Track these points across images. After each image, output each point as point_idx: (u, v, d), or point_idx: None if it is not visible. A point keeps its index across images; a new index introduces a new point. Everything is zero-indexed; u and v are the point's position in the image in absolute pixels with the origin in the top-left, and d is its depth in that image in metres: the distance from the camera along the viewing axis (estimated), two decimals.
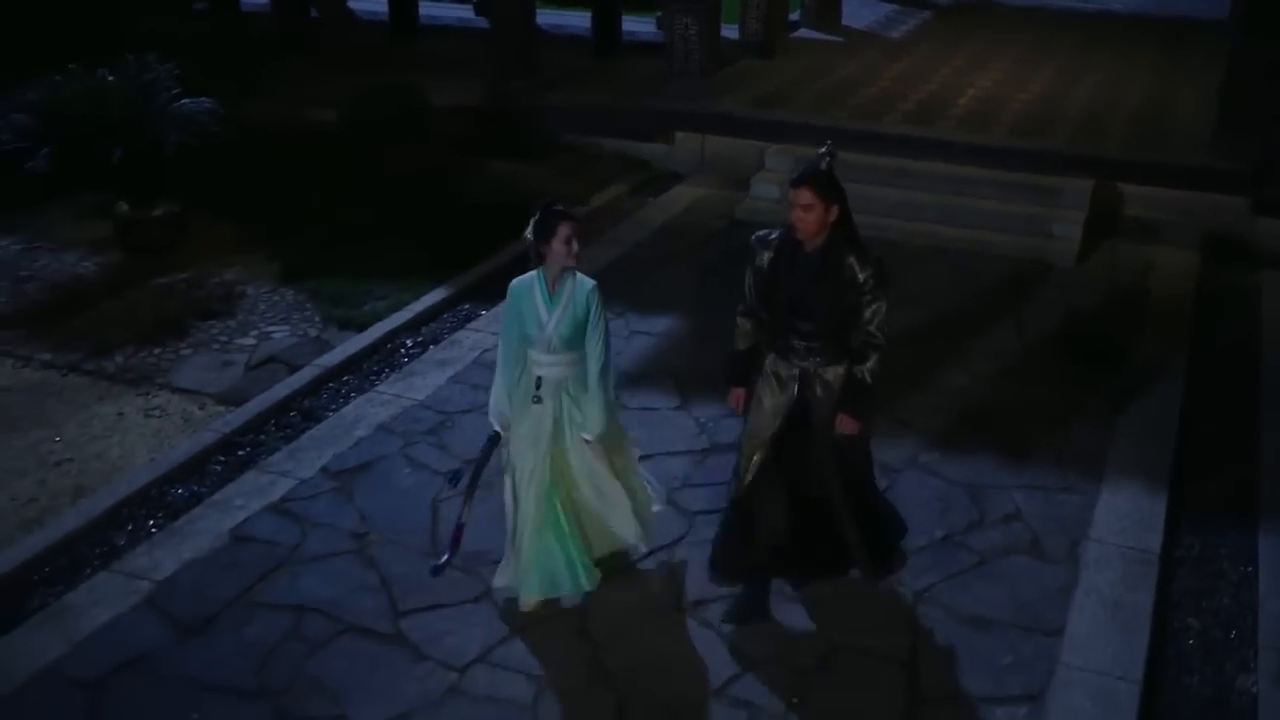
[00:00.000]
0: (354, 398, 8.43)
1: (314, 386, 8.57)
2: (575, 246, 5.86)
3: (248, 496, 7.21)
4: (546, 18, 16.30)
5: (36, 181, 11.39)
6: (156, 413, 8.38)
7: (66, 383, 8.75)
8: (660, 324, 9.57)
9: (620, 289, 9.70)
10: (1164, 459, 7.73)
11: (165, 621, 6.14)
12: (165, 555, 6.67)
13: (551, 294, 5.88)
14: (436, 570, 6.25)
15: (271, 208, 11.61)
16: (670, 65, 13.89)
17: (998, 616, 6.29)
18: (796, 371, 5.93)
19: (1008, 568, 6.70)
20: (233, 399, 8.46)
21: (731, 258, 10.50)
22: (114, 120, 10.33)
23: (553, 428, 5.97)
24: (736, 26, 15.57)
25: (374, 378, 8.73)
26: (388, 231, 11.18)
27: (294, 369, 8.82)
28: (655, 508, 6.50)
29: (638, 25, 16.84)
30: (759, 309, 6.00)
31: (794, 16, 17.10)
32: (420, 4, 17.63)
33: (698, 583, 6.47)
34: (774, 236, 5.87)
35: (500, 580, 6.23)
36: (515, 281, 6.00)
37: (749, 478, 6.10)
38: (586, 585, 6.13)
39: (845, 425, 5.91)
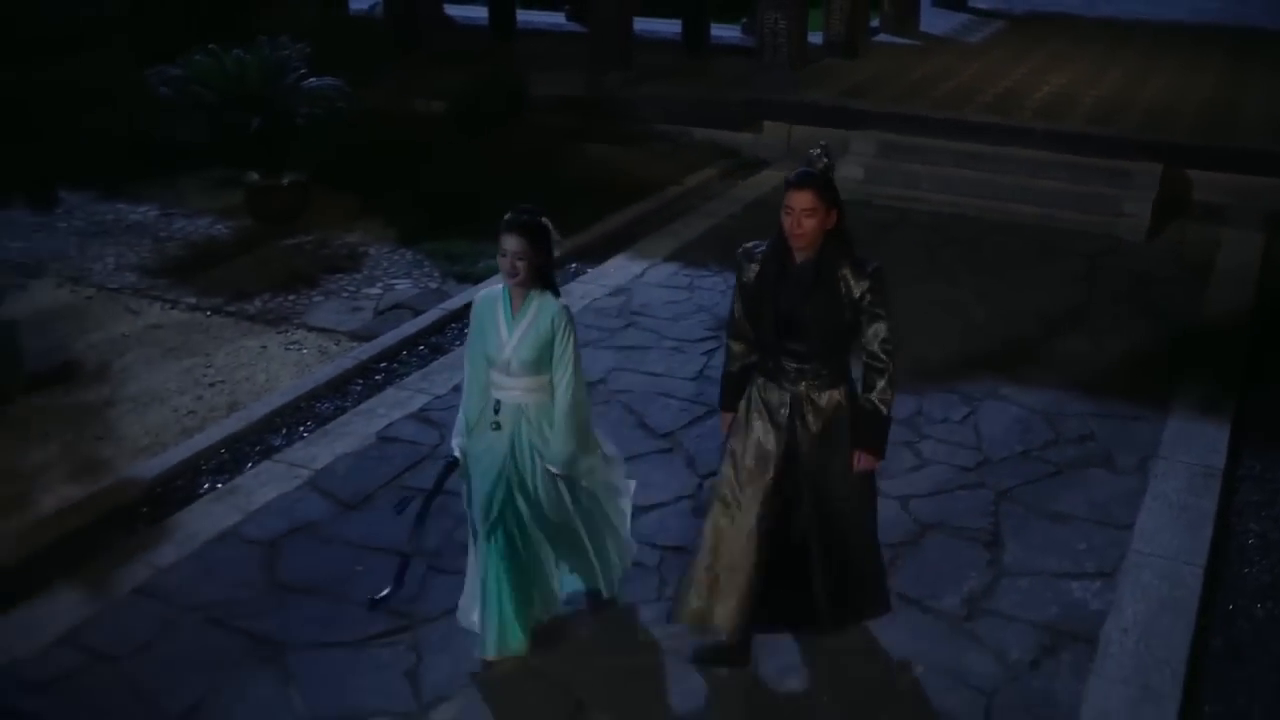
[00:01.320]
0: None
1: (439, 326, 9.34)
2: (514, 265, 5.19)
3: (389, 408, 7.99)
4: (639, 24, 17.12)
5: (167, 157, 12.32)
6: (296, 346, 9.17)
7: (211, 322, 9.57)
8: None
9: (716, 252, 10.47)
10: (1229, 395, 8.32)
11: (327, 499, 6.92)
12: (320, 450, 7.45)
13: (515, 311, 5.33)
14: (374, 604, 5.94)
15: (387, 182, 12.42)
16: (760, 59, 14.66)
17: (1073, 513, 6.92)
18: (788, 397, 5.37)
19: (1082, 477, 7.32)
20: (364, 336, 9.23)
21: None
22: (251, 93, 11.21)
23: (511, 456, 5.43)
24: (820, 33, 16.36)
25: None
26: (496, 204, 11.91)
27: (418, 313, 9.60)
28: (628, 562, 6.00)
29: (723, 31, 17.66)
30: (748, 328, 5.48)
31: (873, 24, 17.83)
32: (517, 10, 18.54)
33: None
34: (760, 248, 5.34)
35: (465, 620, 5.77)
36: (480, 294, 5.53)
37: (720, 517, 5.51)
38: (513, 649, 5.58)
39: (864, 462, 5.40)
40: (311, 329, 9.44)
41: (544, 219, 5.31)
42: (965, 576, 6.35)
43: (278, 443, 7.61)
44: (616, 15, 15.10)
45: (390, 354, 8.86)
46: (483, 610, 5.51)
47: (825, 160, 5.19)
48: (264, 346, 9.11)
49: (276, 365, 8.84)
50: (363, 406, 8.04)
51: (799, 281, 5.17)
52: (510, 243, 5.22)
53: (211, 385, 8.51)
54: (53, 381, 8.44)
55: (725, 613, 5.50)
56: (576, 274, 10.49)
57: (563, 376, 5.34)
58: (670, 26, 17.62)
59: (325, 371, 8.53)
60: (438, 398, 8.10)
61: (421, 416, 7.85)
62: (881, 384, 5.29)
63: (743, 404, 5.51)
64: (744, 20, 17.99)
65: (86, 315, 9.59)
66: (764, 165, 13.60)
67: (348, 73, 12.26)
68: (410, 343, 9.05)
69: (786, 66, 14.46)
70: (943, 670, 5.64)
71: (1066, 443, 7.70)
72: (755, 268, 5.31)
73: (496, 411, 5.40)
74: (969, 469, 7.38)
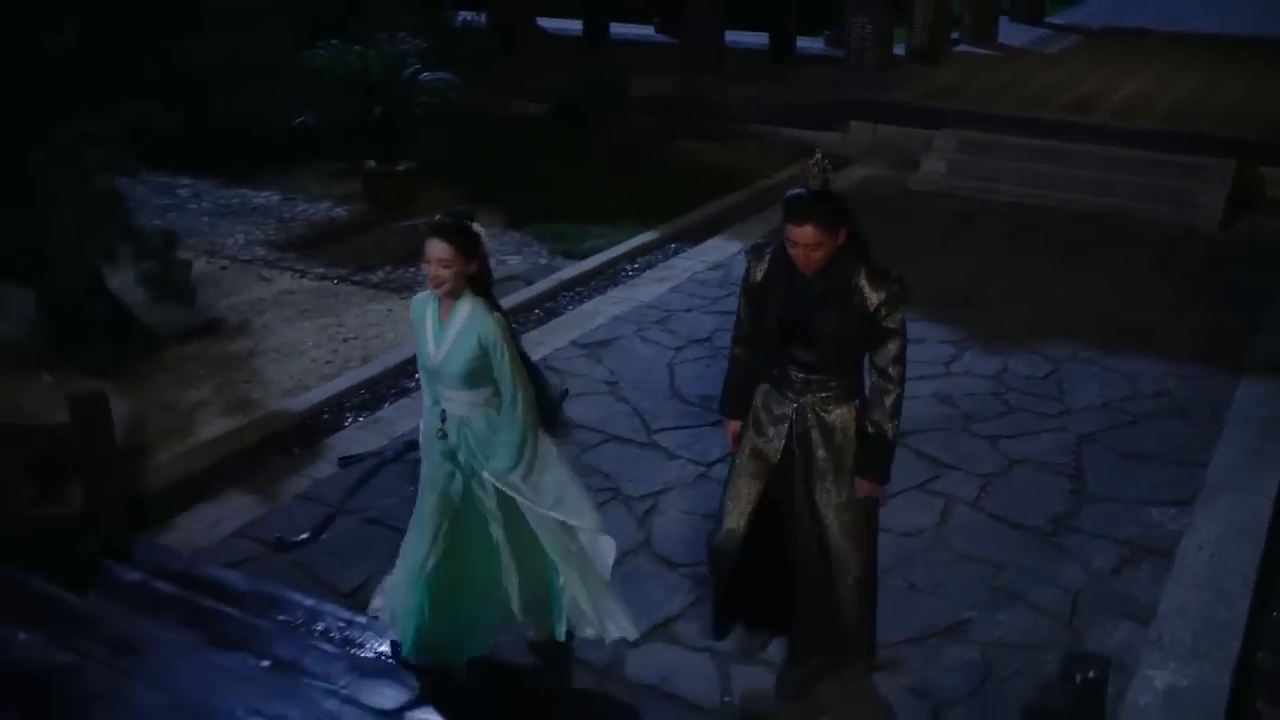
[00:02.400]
0: (588, 301, 9.88)
1: (552, 294, 10.04)
2: (437, 273, 4.70)
3: None
4: (728, 36, 17.81)
5: (284, 147, 13.10)
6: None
7: (339, 289, 10.30)
8: None
9: None
10: None
11: None
12: None
13: (443, 319, 4.85)
14: (280, 545, 6.22)
15: (493, 171, 13.16)
16: (846, 61, 15.31)
17: (1152, 454, 7.46)
18: (792, 409, 4.99)
19: (1159, 425, 7.85)
20: None
21: (903, 215, 11.93)
22: (372, 83, 11.99)
23: (457, 469, 5.04)
24: (903, 45, 17.01)
25: (602, 290, 10.18)
26: (596, 192, 12.67)
27: (531, 283, 10.30)
28: (588, 631, 5.35)
29: (808, 42, 18.35)
30: (753, 332, 5.13)
31: (953, 36, 18.43)
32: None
33: None
34: (771, 247, 5.01)
35: (377, 603, 5.56)
36: (416, 295, 5.08)
37: (726, 529, 5.21)
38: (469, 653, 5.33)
39: (864, 489, 5.01)
40: None
41: (473, 223, 4.79)
42: (1051, 502, 6.91)
43: (410, 385, 8.30)
44: (709, 22, 15.82)
45: (508, 316, 9.51)
46: (403, 609, 5.26)
47: (822, 174, 4.70)
48: (389, 310, 9.82)
49: (403, 326, 9.51)
50: None
51: (809, 290, 4.81)
52: (433, 248, 4.69)
53: (345, 341, 9.22)
54: (200, 335, 9.19)
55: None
56: (678, 251, 11.16)
57: (506, 387, 4.83)
58: (758, 38, 18.31)
59: None
60: (557, 350, 8.79)
61: (544, 365, 8.51)
62: (888, 405, 4.87)
63: (750, 412, 5.16)
64: (827, 32, 18.65)
65: (224, 282, 10.36)
66: (850, 162, 14.21)
67: (454, 72, 13.02)
68: (526, 307, 9.73)
69: (872, 70, 15.11)
70: (1032, 573, 6.20)
71: (1144, 397, 8.23)
72: (764, 268, 4.97)
73: (443, 421, 4.97)
74: (1052, 415, 7.94)
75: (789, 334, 4.89)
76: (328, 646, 5.32)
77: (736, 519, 5.16)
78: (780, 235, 4.85)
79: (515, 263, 10.89)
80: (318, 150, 13.42)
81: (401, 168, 12.44)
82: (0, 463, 5.38)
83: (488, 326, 4.76)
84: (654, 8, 20.37)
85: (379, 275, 10.57)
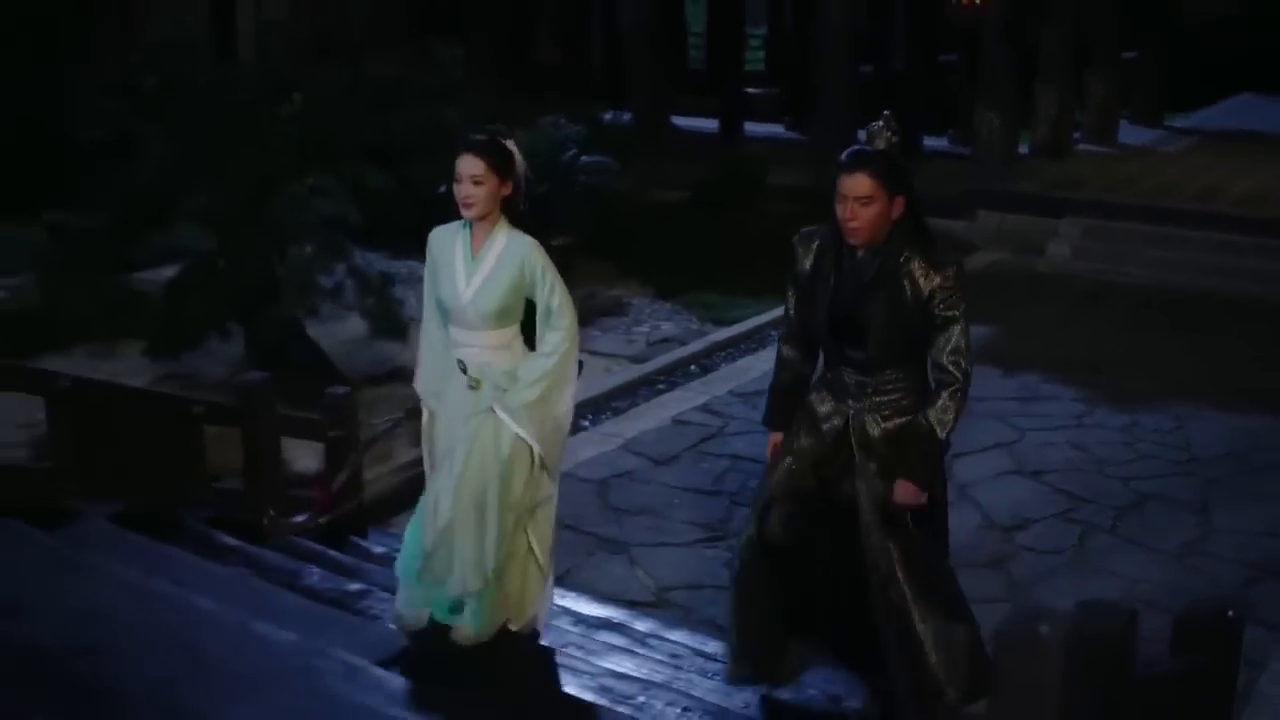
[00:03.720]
0: (739, 360, 10.70)
1: (706, 353, 10.87)
2: (469, 192, 4.40)
3: (677, 402, 9.49)
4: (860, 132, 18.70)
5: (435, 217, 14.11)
6: (582, 366, 10.71)
7: None
8: (974, 332, 11.58)
9: None
10: None
11: (640, 457, 8.41)
12: (626, 426, 8.99)
13: (475, 252, 4.52)
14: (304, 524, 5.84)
15: (641, 249, 14.08)
16: (973, 154, 16.11)
17: (1275, 496, 8.04)
18: (845, 413, 4.50)
19: None
20: (641, 359, 10.77)
21: (1030, 295, 12.63)
22: (538, 162, 12.98)
23: (467, 421, 4.65)
24: (1026, 144, 17.80)
25: (751, 350, 10.99)
26: (738, 269, 13.51)
27: (685, 344, 11.13)
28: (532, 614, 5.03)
29: (933, 141, 19.20)
30: (801, 330, 4.66)
31: (1074, 135, 19.15)
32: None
33: None
34: (818, 233, 4.54)
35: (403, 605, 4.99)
36: (438, 228, 4.68)
37: (758, 548, 4.71)
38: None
39: (903, 494, 4.40)
40: (596, 354, 11.00)
41: (508, 141, 4.50)
42: (1180, 531, 7.53)
43: (586, 424, 9.13)
44: (841, 119, 16.72)
45: (668, 370, 10.37)
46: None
47: (889, 135, 4.39)
48: None
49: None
50: (653, 402, 9.55)
51: (859, 277, 4.37)
52: (464, 163, 4.39)
53: None
54: (389, 379, 10.11)
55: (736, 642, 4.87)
56: None
57: (555, 335, 4.64)
58: None
59: (617, 378, 10.09)
60: (717, 397, 9.60)
61: (706, 409, 9.33)
62: (943, 400, 4.33)
63: (795, 421, 4.72)
64: (950, 130, 19.47)
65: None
66: (977, 248, 14.94)
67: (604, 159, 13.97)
68: (683, 363, 10.56)
69: (998, 163, 15.87)
70: (1166, 585, 6.82)
71: (1267, 449, 8.81)
72: (812, 256, 4.50)
73: (465, 371, 4.60)
74: (1179, 462, 8.56)
75: (839, 328, 4.43)
76: None
77: (771, 526, 4.65)
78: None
79: (668, 328, 11.74)
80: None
81: (558, 242, 13.34)
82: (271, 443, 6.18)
83: (530, 252, 4.50)
84: (784, 107, 21.38)
85: None
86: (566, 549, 7.06)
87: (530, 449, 4.69)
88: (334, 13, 18.83)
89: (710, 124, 20.68)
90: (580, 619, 5.75)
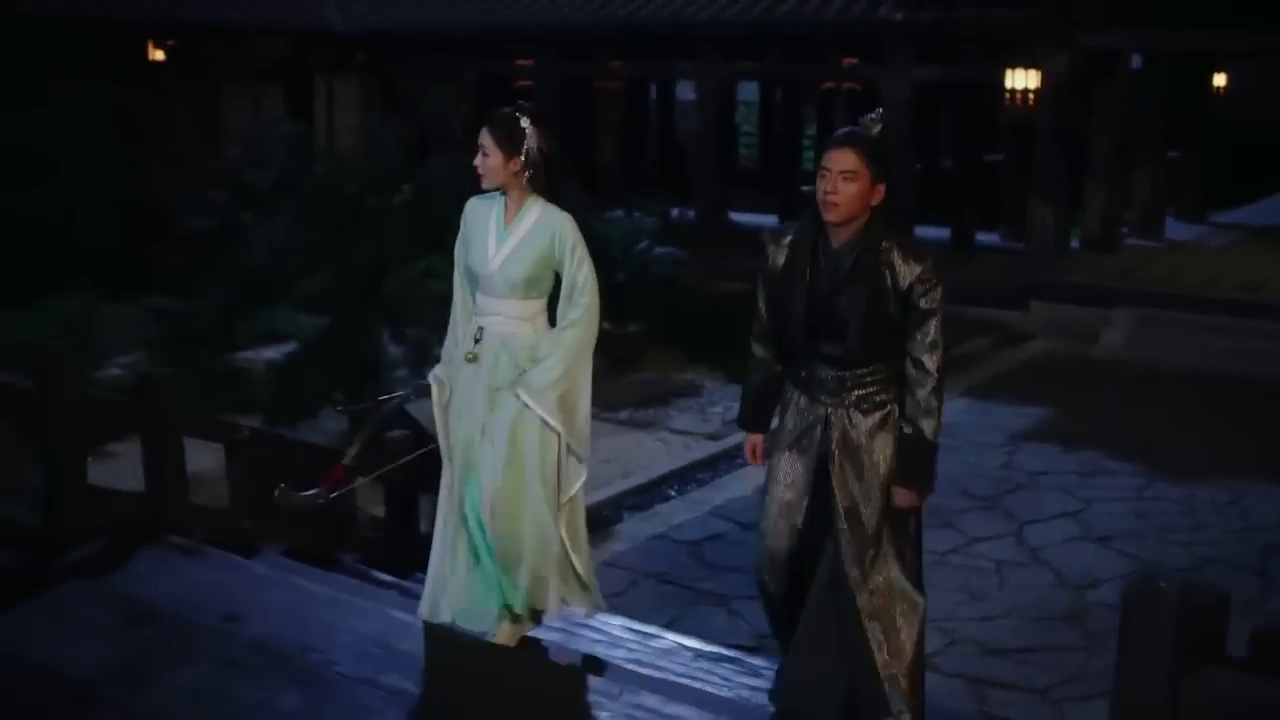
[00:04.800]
0: None
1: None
2: (479, 161, 4.61)
3: (756, 475, 9.97)
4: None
5: None
6: (663, 442, 11.35)
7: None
8: (1034, 412, 12.15)
9: (999, 393, 12.63)
10: None
11: (728, 522, 9.00)
12: (711, 495, 9.58)
13: (509, 221, 4.65)
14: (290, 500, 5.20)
15: (707, 335, 14.70)
16: (1027, 247, 16.75)
17: None
18: (823, 413, 4.42)
19: None
20: (717, 437, 11.37)
21: (1084, 380, 13.18)
22: (615, 253, 13.71)
23: (488, 399, 4.65)
24: (1076, 239, 18.45)
25: None
26: None
27: None
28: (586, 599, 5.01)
29: (985, 236, 19.89)
30: (773, 327, 4.59)
31: (1122, 229, 19.78)
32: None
33: None
34: (790, 229, 4.53)
35: (426, 607, 4.87)
36: (475, 198, 4.80)
37: (770, 565, 4.60)
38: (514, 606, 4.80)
39: (904, 500, 4.40)
40: (673, 430, 11.63)
41: (521, 118, 4.61)
42: (1242, 590, 7.94)
43: (672, 492, 9.72)
44: (899, 214, 17.42)
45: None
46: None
47: (879, 125, 4.36)
48: (639, 441, 11.32)
49: (651, 453, 11.02)
50: (734, 474, 10.11)
51: (835, 267, 4.33)
52: (479, 137, 4.62)
53: (604, 461, 10.65)
54: None
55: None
56: None
57: (574, 311, 4.62)
58: (940, 232, 19.87)
59: (697, 452, 10.70)
60: None
61: None
62: (922, 396, 4.31)
63: (777, 421, 4.68)
64: (1001, 226, 20.13)
65: None
66: (1031, 338, 15.53)
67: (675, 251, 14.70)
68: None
69: (1050, 256, 16.48)
70: (1234, 635, 7.30)
71: None
72: (785, 252, 4.45)
73: (477, 341, 4.66)
74: (1237, 530, 9.06)
75: (816, 323, 4.37)
76: None
77: (775, 540, 4.56)
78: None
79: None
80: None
81: (632, 329, 14.06)
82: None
83: (563, 225, 4.59)
84: None
85: (623, 415, 12.08)
86: (670, 600, 7.69)
87: (558, 435, 4.68)
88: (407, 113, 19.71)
89: (762, 219, 21.41)
90: (699, 654, 6.29)
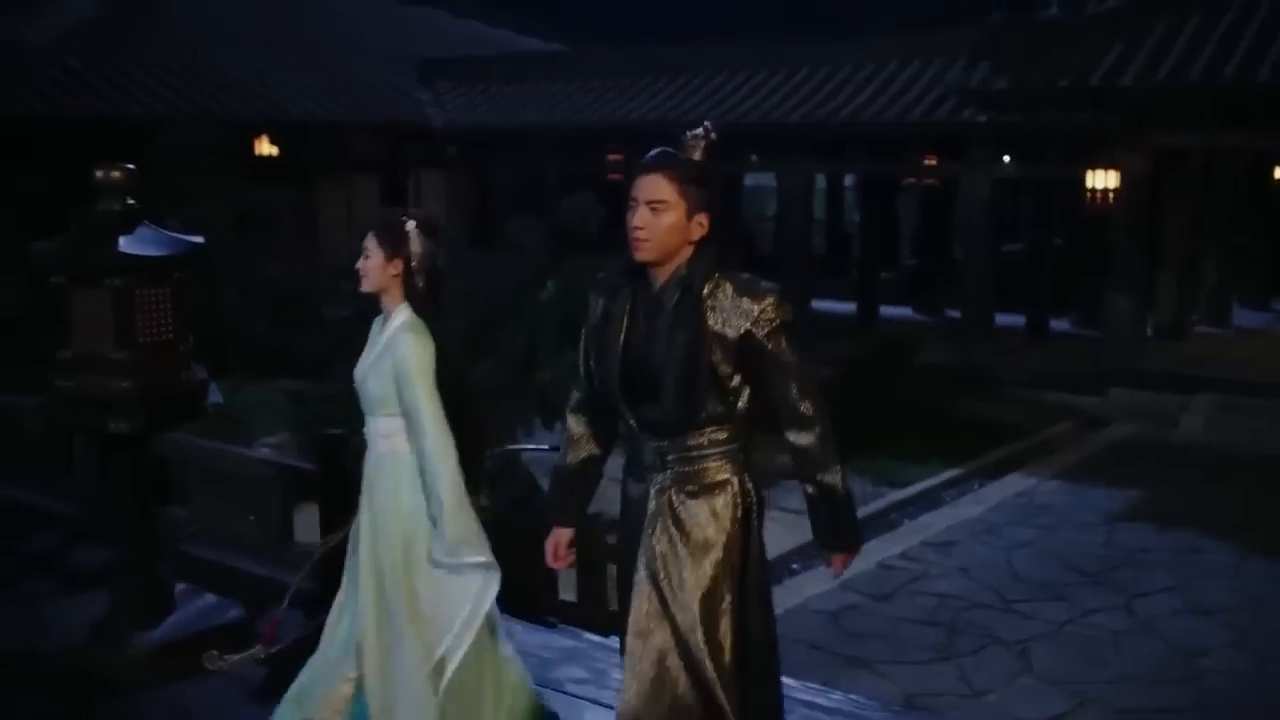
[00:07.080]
0: (920, 517, 12.05)
1: (885, 512, 12.22)
2: (359, 264, 4.30)
3: (876, 552, 10.80)
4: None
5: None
6: (774, 520, 12.04)
7: None
8: (1127, 494, 12.84)
9: (1086, 474, 13.44)
10: None
11: (860, 594, 9.76)
12: None
13: (382, 330, 4.37)
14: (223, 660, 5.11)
15: None
16: (1105, 335, 17.52)
17: None
18: (650, 493, 3.73)
19: None
20: None
21: (1168, 463, 13.90)
22: None
23: (369, 517, 4.39)
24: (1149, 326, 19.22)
25: (927, 509, 12.33)
26: (897, 437, 14.89)
27: (865, 504, 12.48)
28: None
29: (1058, 322, 20.70)
30: (590, 390, 3.86)
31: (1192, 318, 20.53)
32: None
33: None
34: (615, 272, 3.78)
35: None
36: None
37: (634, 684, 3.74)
38: None
39: (838, 565, 3.91)
40: (787, 510, 12.33)
41: (406, 221, 4.34)
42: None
43: (796, 566, 10.47)
44: (981, 302, 18.26)
45: (862, 523, 11.69)
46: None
47: (705, 141, 3.65)
48: None
49: (770, 531, 11.75)
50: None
51: (656, 312, 3.62)
52: (367, 239, 4.32)
53: None
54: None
55: None
56: (982, 485, 13.29)
57: (417, 437, 4.19)
58: (1016, 319, 20.67)
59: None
60: (909, 547, 10.94)
61: (904, 556, 10.70)
62: (817, 453, 3.73)
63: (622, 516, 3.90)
64: (1073, 313, 20.91)
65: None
66: (1111, 422, 16.25)
67: None
68: (865, 521, 11.84)
69: (1126, 343, 17.24)
70: None
71: None
72: (603, 299, 3.76)
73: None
74: None
75: (632, 381, 3.64)
76: None
77: (632, 683, 3.74)
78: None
79: None
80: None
81: None
82: None
83: (405, 349, 4.19)
84: (911, 292, 23.07)
85: None
86: (819, 665, 8.45)
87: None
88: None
89: (835, 305, 22.31)
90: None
